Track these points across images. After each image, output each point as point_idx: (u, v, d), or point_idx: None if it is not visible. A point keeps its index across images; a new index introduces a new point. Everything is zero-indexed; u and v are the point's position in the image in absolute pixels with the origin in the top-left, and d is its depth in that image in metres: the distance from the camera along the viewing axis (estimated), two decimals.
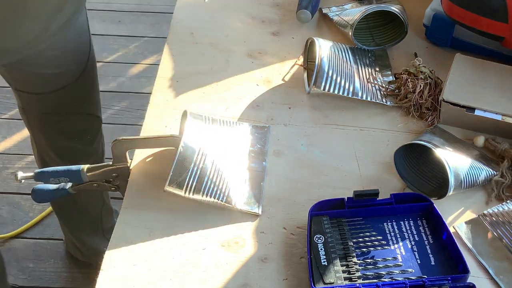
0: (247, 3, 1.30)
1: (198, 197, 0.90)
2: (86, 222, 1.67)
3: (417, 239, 0.85)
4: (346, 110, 1.07)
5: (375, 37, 1.21)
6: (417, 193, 0.91)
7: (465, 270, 0.79)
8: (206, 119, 0.98)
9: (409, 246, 0.84)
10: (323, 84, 1.06)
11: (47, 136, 1.43)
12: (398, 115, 1.07)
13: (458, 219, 0.92)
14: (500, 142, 0.99)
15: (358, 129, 1.05)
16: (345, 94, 1.06)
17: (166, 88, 1.11)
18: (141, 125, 1.04)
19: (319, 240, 0.83)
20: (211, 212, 0.91)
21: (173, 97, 1.09)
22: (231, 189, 0.91)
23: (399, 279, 0.79)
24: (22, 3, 1.08)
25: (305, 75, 1.13)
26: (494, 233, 0.89)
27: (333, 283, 0.79)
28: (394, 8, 1.14)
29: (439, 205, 0.88)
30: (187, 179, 0.88)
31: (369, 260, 0.82)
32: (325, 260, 0.81)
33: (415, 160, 0.97)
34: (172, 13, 1.27)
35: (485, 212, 0.91)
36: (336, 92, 1.06)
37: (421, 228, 0.87)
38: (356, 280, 0.79)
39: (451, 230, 0.89)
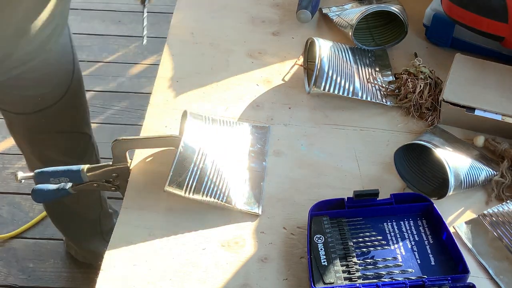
0: (247, 3, 1.30)
1: (198, 197, 0.90)
2: (84, 228, 1.67)
3: (417, 239, 0.85)
4: (346, 110, 1.07)
5: (375, 37, 1.21)
6: (417, 193, 0.91)
7: (465, 270, 0.79)
8: (206, 119, 0.98)
9: (409, 246, 0.84)
10: (323, 84, 1.06)
11: (35, 150, 1.42)
12: (398, 115, 1.07)
13: (458, 219, 0.92)
14: (500, 142, 0.99)
15: (358, 129, 1.05)
16: (345, 94, 1.06)
17: (166, 88, 1.11)
18: (141, 125, 1.04)
19: (319, 240, 0.83)
20: (211, 212, 0.91)
21: (173, 97, 1.09)
22: (231, 189, 0.91)
23: (399, 279, 0.79)
24: None
25: (305, 75, 1.13)
26: (494, 233, 0.89)
27: (333, 283, 0.79)
28: (394, 8, 1.14)
29: (439, 205, 0.88)
30: (187, 179, 0.88)
31: (369, 260, 0.82)
32: (325, 260, 0.81)
33: (415, 160, 0.97)
34: (172, 13, 1.27)
35: (485, 212, 0.91)
36: (336, 92, 1.06)
37: (421, 228, 0.87)
38: (356, 280, 0.79)
39: (451, 230, 0.89)
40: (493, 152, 1.00)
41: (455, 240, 0.83)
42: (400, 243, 0.85)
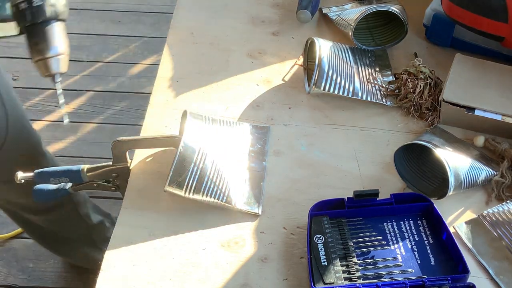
0: (247, 3, 1.30)
1: (198, 197, 0.90)
2: (74, 247, 1.63)
3: (417, 239, 0.85)
4: (346, 110, 1.07)
5: (375, 37, 1.21)
6: (417, 193, 0.91)
7: (465, 270, 0.79)
8: (206, 119, 0.98)
9: (409, 246, 0.84)
10: (323, 84, 1.06)
11: None
12: (398, 115, 1.07)
13: (458, 219, 0.92)
14: (500, 142, 0.99)
15: (358, 129, 1.05)
16: (345, 94, 1.06)
17: (166, 88, 1.11)
18: (141, 125, 1.04)
19: (319, 240, 0.83)
20: (211, 212, 0.91)
21: (173, 97, 1.09)
22: (231, 189, 0.91)
23: (399, 279, 0.79)
24: None
25: (305, 75, 1.13)
26: (494, 233, 0.89)
27: (333, 283, 0.79)
28: (394, 8, 1.14)
29: (439, 205, 0.88)
30: (187, 179, 0.88)
31: (369, 260, 0.82)
32: (325, 260, 0.81)
33: (415, 160, 0.97)
34: (172, 13, 1.27)
35: (485, 212, 0.91)
36: (336, 92, 1.06)
37: (421, 228, 0.87)
38: (356, 280, 0.79)
39: (451, 230, 0.89)
40: (493, 152, 1.00)
41: (455, 240, 0.83)
42: (400, 243, 0.85)
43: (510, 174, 0.95)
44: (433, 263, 0.82)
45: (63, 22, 1.04)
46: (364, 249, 0.84)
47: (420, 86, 1.04)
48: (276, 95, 1.10)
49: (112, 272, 0.84)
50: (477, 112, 1.00)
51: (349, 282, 0.79)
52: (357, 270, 0.81)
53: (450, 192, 0.90)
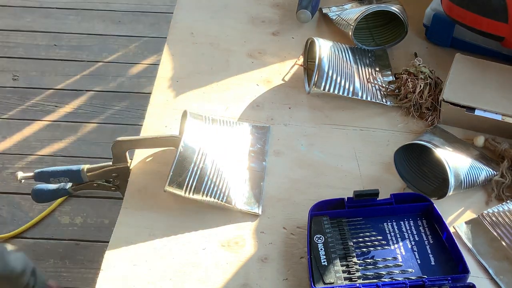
0: (247, 3, 1.30)
1: (198, 197, 0.90)
2: None
3: (417, 239, 0.85)
4: (346, 110, 1.07)
5: (375, 37, 1.21)
6: (417, 193, 0.91)
7: (465, 270, 0.79)
8: (206, 119, 0.98)
9: (409, 246, 0.84)
10: (323, 84, 1.06)
11: None
12: (398, 115, 1.07)
13: (458, 219, 0.92)
14: (500, 142, 0.99)
15: (358, 129, 1.05)
16: (345, 94, 1.06)
17: (166, 88, 1.11)
18: (141, 125, 1.04)
19: (319, 240, 0.83)
20: (211, 212, 0.91)
21: (173, 97, 1.09)
22: (231, 189, 0.91)
23: (399, 279, 0.79)
24: None
25: (305, 75, 1.13)
26: (494, 233, 0.89)
27: (333, 283, 0.79)
28: (394, 8, 1.14)
29: (439, 205, 0.88)
30: (187, 179, 0.88)
31: (369, 260, 0.82)
32: (325, 260, 0.81)
33: (415, 160, 0.97)
34: (172, 13, 1.27)
35: (485, 212, 0.91)
36: (336, 92, 1.06)
37: (421, 228, 0.87)
38: (356, 280, 0.79)
39: (451, 230, 0.89)
40: (493, 152, 1.00)
41: (455, 240, 0.83)
42: (400, 243, 0.85)
43: (510, 174, 0.95)
44: (433, 263, 0.82)
45: None
46: (364, 249, 0.84)
47: (420, 86, 1.04)
48: (276, 95, 1.10)
49: (112, 272, 0.84)
50: (477, 112, 1.00)
51: (349, 282, 0.79)
52: (357, 270, 0.81)
53: (450, 192, 0.90)
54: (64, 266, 1.81)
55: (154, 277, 0.84)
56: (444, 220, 0.85)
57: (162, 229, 0.89)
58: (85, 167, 1.00)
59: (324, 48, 1.08)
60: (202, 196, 0.89)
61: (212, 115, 1.01)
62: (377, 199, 0.87)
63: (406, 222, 0.87)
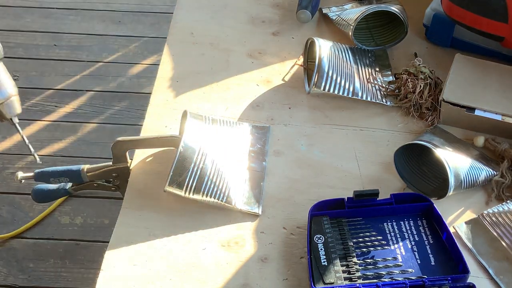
0: (247, 3, 1.30)
1: (198, 197, 0.90)
2: None
3: (417, 239, 0.85)
4: (346, 110, 1.07)
5: (375, 37, 1.21)
6: (417, 193, 0.91)
7: (465, 270, 0.79)
8: (206, 119, 0.98)
9: (409, 246, 0.84)
10: (323, 84, 1.06)
11: None
12: (398, 115, 1.07)
13: (458, 219, 0.92)
14: (500, 142, 0.99)
15: (358, 129, 1.05)
16: (345, 94, 1.06)
17: (166, 88, 1.11)
18: (141, 125, 1.04)
19: (319, 240, 0.83)
20: (211, 212, 0.91)
21: (173, 97, 1.09)
22: (231, 189, 0.91)
23: (399, 279, 0.79)
24: None
25: (305, 75, 1.13)
26: (494, 233, 0.89)
27: (333, 283, 0.79)
28: (394, 8, 1.14)
29: (439, 205, 0.88)
30: (187, 179, 0.88)
31: (369, 260, 0.82)
32: (325, 260, 0.81)
33: (415, 160, 0.97)
34: (172, 13, 1.27)
35: (485, 212, 0.91)
36: (336, 92, 1.06)
37: (421, 228, 0.87)
38: (356, 280, 0.79)
39: (451, 230, 0.89)
40: (493, 152, 1.00)
41: (455, 240, 0.83)
42: (400, 243, 0.85)
43: (510, 174, 0.95)
44: (433, 263, 0.82)
45: (1, 61, 0.97)
46: (364, 249, 0.84)
47: (420, 86, 1.04)
48: (276, 95, 1.10)
49: (112, 272, 0.84)
50: (477, 112, 1.00)
51: (349, 282, 0.79)
52: (357, 270, 0.81)
53: (450, 192, 0.90)
54: (64, 266, 1.81)
55: (154, 277, 0.84)
56: (444, 220, 0.85)
57: (162, 229, 0.89)
58: (85, 167, 1.00)
59: (324, 48, 1.08)
60: (202, 196, 0.89)
61: (212, 115, 1.01)
62: (377, 199, 0.87)
63: (406, 222, 0.87)
